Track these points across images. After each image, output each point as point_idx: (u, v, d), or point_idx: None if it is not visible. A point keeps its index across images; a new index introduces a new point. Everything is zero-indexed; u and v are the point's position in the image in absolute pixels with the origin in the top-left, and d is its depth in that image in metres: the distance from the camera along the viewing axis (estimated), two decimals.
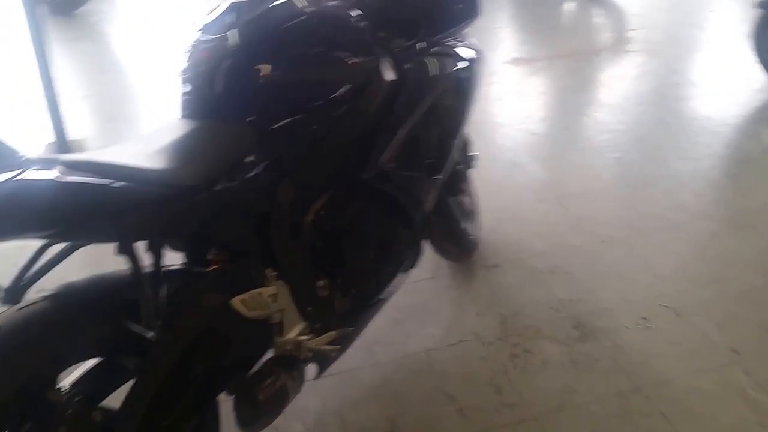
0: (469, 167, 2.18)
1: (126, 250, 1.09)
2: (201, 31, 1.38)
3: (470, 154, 2.16)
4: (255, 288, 1.28)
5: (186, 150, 1.19)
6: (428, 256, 2.15)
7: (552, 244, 2.41)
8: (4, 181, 0.90)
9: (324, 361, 1.51)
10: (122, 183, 1.02)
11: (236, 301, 1.24)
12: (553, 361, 1.90)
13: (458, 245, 2.17)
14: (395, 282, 1.68)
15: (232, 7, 1.37)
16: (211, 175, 1.17)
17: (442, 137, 1.73)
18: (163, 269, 1.17)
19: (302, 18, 1.35)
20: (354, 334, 1.57)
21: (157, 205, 1.07)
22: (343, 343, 1.53)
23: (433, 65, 1.60)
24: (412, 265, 1.76)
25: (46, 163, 0.98)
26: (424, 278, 2.23)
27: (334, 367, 1.83)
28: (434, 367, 1.88)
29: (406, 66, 1.52)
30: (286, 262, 1.36)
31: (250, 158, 1.29)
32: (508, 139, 3.25)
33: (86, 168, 1.01)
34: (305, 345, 1.37)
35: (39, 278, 1.10)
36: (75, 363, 1.13)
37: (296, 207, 1.38)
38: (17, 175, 0.91)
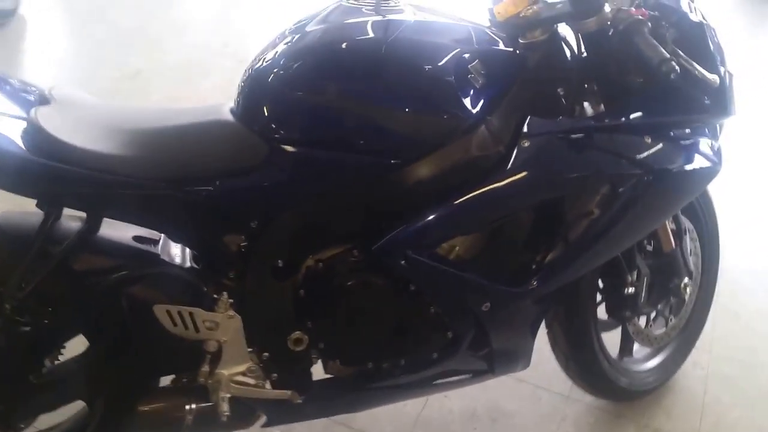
0: (667, 299, 1.55)
1: (43, 208, 1.08)
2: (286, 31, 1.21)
3: (675, 283, 1.50)
4: (195, 306, 1.13)
5: (172, 142, 1.12)
6: None
7: None
8: None
9: (274, 413, 1.29)
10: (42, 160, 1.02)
11: (159, 309, 1.11)
12: None
13: (589, 384, 1.59)
14: (431, 379, 1.32)
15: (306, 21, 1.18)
16: (181, 172, 1.09)
17: (550, 248, 1.21)
18: (93, 238, 1.12)
19: (376, 48, 1.12)
20: (316, 409, 1.31)
21: (79, 186, 1.05)
22: (295, 413, 1.28)
23: (575, 152, 1.18)
24: (488, 371, 1.34)
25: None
26: (548, 388, 1.73)
27: (362, 420, 1.59)
28: None
29: (525, 143, 1.13)
30: (252, 298, 1.17)
31: (254, 172, 1.11)
32: None
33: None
34: (223, 389, 1.17)
35: None
36: None
37: (291, 246, 1.16)
38: None
